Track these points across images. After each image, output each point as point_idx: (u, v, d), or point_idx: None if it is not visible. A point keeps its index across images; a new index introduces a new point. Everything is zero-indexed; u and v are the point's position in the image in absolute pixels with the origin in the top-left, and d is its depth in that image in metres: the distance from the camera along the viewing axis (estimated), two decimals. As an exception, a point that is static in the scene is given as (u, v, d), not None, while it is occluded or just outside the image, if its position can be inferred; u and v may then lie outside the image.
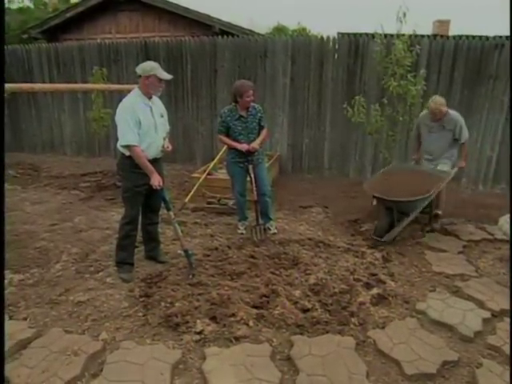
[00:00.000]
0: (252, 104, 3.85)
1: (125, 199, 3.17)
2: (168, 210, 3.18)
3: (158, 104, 3.17)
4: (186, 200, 4.74)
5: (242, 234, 4.08)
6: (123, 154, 3.03)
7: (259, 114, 3.87)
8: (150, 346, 2.36)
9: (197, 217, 4.56)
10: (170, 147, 3.28)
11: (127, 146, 2.93)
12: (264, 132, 3.95)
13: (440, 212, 4.47)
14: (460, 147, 4.35)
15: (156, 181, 2.99)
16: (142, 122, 2.94)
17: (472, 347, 2.43)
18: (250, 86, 3.76)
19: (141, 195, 3.13)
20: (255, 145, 3.80)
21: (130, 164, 3.00)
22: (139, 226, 3.32)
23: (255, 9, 43.61)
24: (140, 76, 2.98)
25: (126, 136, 2.90)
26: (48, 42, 8.21)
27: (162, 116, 3.20)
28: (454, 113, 4.21)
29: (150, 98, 3.05)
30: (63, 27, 9.73)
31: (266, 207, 4.04)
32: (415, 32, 4.50)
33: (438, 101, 4.15)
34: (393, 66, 4.44)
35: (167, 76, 3.05)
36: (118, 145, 3.01)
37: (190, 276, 3.10)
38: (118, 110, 2.96)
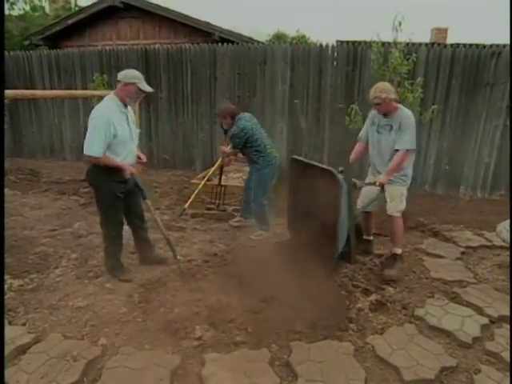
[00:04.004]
0: (236, 125, 4.03)
1: (104, 209, 3.09)
2: (144, 198, 3.14)
3: (130, 111, 3.13)
4: (186, 206, 4.75)
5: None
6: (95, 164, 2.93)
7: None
8: (149, 351, 2.36)
9: (196, 223, 4.57)
10: (145, 158, 3.29)
11: (89, 157, 2.84)
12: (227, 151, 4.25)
13: (399, 251, 3.45)
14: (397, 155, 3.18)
15: (127, 171, 2.92)
16: (118, 133, 2.88)
17: (470, 353, 2.43)
18: (218, 110, 4.21)
19: (119, 200, 3.07)
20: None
21: (103, 172, 2.91)
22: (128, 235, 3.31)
23: (255, 16, 44.01)
24: (119, 81, 2.93)
25: (92, 146, 2.80)
26: (49, 49, 8.27)
27: (134, 124, 3.18)
28: (406, 112, 3.24)
29: (125, 105, 3.01)
30: (64, 34, 9.81)
31: (254, 213, 4.29)
32: (411, 40, 4.55)
33: (377, 86, 3.14)
34: (390, 74, 4.50)
35: (148, 88, 3.00)
36: (90, 154, 2.84)
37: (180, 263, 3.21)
38: (94, 115, 2.85)
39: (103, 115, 2.84)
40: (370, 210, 3.58)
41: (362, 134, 3.58)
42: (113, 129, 2.85)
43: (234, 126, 4.01)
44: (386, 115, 3.24)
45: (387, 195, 3.35)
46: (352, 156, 3.55)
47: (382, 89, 3.10)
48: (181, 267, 3.21)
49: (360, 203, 3.54)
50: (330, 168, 3.04)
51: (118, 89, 2.95)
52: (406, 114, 3.22)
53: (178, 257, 3.30)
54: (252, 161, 4.14)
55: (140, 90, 2.95)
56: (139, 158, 3.30)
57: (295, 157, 3.48)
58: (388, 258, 3.51)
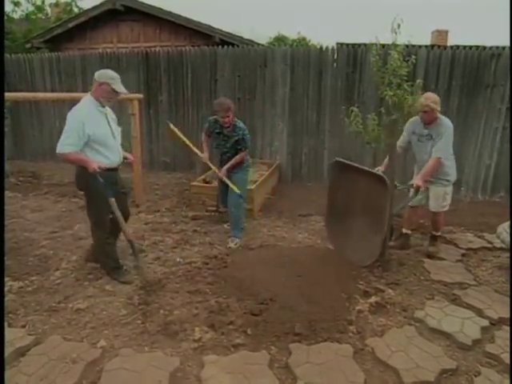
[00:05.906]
0: (239, 125, 3.95)
1: (95, 211, 3.10)
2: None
3: (109, 111, 3.13)
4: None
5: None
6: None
7: (237, 138, 3.94)
8: (148, 353, 2.37)
9: (196, 225, 4.57)
10: (132, 157, 3.31)
11: (61, 154, 2.84)
12: (238, 156, 4.02)
13: (439, 233, 3.94)
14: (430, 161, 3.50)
15: (91, 166, 2.86)
16: (95, 132, 2.88)
17: (470, 355, 2.43)
18: (222, 106, 3.76)
19: (108, 202, 3.08)
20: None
21: (92, 175, 2.89)
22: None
23: (256, 19, 44.16)
24: (95, 81, 2.94)
25: (62, 143, 2.81)
26: (50, 51, 8.30)
27: (115, 123, 3.17)
28: (445, 121, 3.58)
29: (102, 105, 3.00)
30: (65, 36, 9.85)
31: (233, 216, 4.14)
32: (410, 42, 4.55)
33: (429, 96, 3.50)
34: (389, 76, 4.49)
35: (122, 89, 2.99)
36: (60, 151, 2.84)
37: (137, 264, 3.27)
38: (68, 116, 2.87)
39: (77, 117, 2.86)
40: (417, 205, 3.84)
41: (400, 142, 3.78)
42: (87, 129, 2.84)
43: (234, 125, 3.93)
44: (426, 124, 3.58)
45: (431, 195, 3.72)
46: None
47: (433, 100, 3.47)
48: (143, 272, 3.25)
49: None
50: (380, 174, 3.36)
51: (94, 89, 2.96)
52: (446, 124, 3.52)
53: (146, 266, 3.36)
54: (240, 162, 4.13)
55: (113, 90, 2.94)
56: (126, 158, 3.28)
57: (338, 159, 3.78)
58: (429, 238, 3.96)
